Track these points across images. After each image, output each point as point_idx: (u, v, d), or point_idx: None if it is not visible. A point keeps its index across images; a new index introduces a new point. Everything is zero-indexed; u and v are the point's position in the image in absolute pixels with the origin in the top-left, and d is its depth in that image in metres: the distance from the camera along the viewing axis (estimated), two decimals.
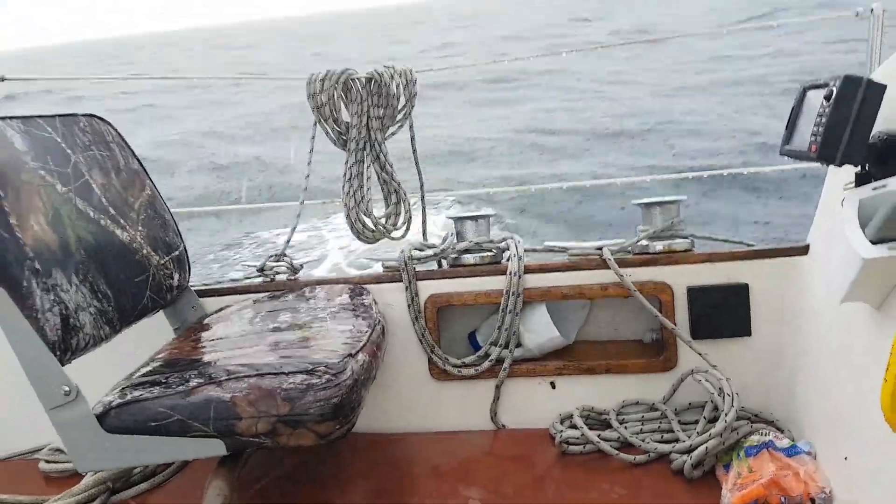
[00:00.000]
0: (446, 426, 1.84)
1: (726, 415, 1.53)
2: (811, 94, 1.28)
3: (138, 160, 1.73)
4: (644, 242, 1.79)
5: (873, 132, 1.18)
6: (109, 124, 1.69)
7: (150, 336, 1.67)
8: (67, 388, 1.23)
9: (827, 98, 1.19)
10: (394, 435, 1.84)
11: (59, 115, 1.52)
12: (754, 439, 1.49)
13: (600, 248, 1.78)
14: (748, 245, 1.80)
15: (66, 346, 1.26)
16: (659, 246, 1.78)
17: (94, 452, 1.23)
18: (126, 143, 1.71)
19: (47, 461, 1.80)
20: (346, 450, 1.78)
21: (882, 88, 1.16)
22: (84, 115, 1.61)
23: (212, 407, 1.20)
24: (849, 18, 2.06)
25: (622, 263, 1.74)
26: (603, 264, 1.76)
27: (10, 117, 1.38)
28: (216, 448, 1.22)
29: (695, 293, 1.73)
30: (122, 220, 1.53)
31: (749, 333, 1.72)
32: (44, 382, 1.23)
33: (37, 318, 1.21)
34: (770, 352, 1.71)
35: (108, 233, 1.47)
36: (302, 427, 1.20)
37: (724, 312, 1.72)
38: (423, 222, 2.10)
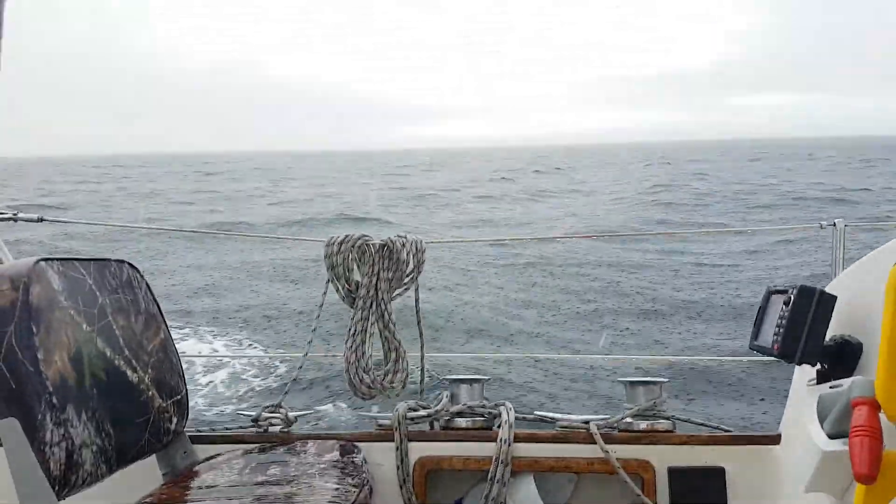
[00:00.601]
0: None
1: None
2: (774, 297, 1.46)
3: (157, 304, 1.83)
4: (628, 420, 1.88)
5: (829, 335, 1.34)
6: (137, 270, 1.80)
7: (138, 478, 1.67)
8: None
9: (786, 304, 1.36)
10: None
11: (94, 260, 1.63)
12: None
13: (587, 422, 1.87)
14: (725, 430, 1.89)
15: (66, 482, 1.29)
16: (643, 424, 1.87)
17: None
18: (150, 288, 1.82)
19: None
20: None
21: (833, 299, 1.34)
22: (115, 261, 1.72)
23: None
24: (814, 230, 2.32)
25: (608, 439, 1.82)
26: (589, 438, 1.83)
27: (52, 259, 1.48)
28: None
29: (675, 473, 1.79)
30: (134, 362, 1.60)
31: None
32: None
33: (44, 451, 1.25)
34: None
35: (121, 373, 1.54)
36: None
37: (702, 495, 1.77)
38: (422, 381, 2.17)
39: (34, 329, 1.31)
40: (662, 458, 1.81)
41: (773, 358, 1.46)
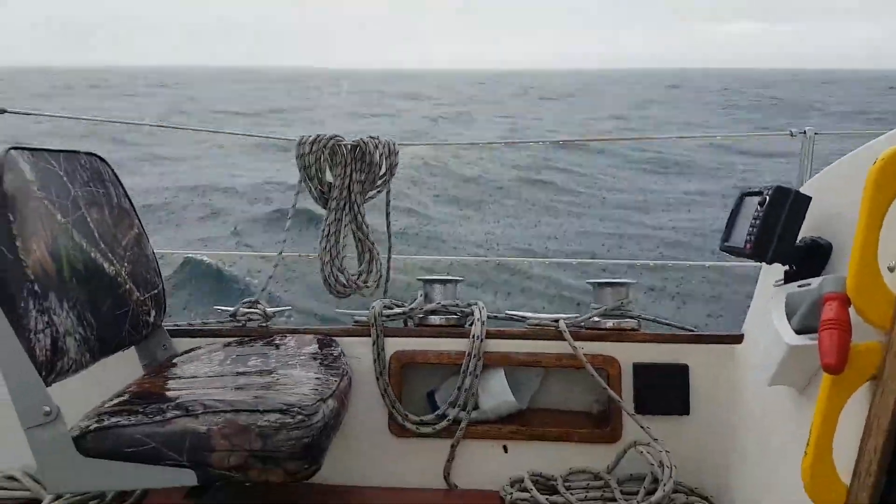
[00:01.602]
0: (401, 482, 1.90)
1: (664, 485, 1.64)
2: (748, 199, 1.48)
3: (129, 199, 1.80)
4: (596, 319, 1.94)
5: (800, 237, 1.37)
6: (107, 163, 1.77)
7: (120, 370, 1.71)
8: (48, 409, 1.27)
9: (761, 204, 1.38)
10: (350, 487, 1.89)
11: (63, 151, 1.60)
12: None
13: (556, 321, 1.93)
14: (689, 330, 1.97)
15: (52, 367, 1.30)
16: (609, 323, 1.93)
17: (67, 474, 1.27)
18: (120, 181, 1.79)
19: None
20: (304, 497, 1.81)
21: (807, 199, 1.36)
22: (85, 153, 1.69)
23: (188, 438, 1.26)
24: (784, 137, 2.33)
25: (575, 336, 1.88)
26: (558, 335, 1.89)
27: (23, 147, 1.44)
28: (187, 478, 1.26)
29: (640, 369, 1.88)
30: (110, 255, 1.60)
31: (688, 412, 1.86)
32: (26, 401, 1.26)
33: (28, 338, 1.26)
34: (706, 430, 1.85)
35: (98, 265, 1.53)
36: (272, 463, 1.26)
37: (665, 390, 1.87)
38: (387, 280, 2.20)
39: (10, 217, 1.28)
40: (628, 354, 1.89)
41: (742, 258, 1.50)
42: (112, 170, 1.78)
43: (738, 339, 1.83)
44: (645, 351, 1.89)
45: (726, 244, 1.51)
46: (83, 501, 1.66)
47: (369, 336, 1.94)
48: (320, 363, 1.66)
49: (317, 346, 1.82)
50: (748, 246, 1.39)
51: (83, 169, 1.64)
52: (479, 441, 1.90)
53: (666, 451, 1.74)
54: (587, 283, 2.02)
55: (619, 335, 1.91)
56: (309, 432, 1.28)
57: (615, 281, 1.97)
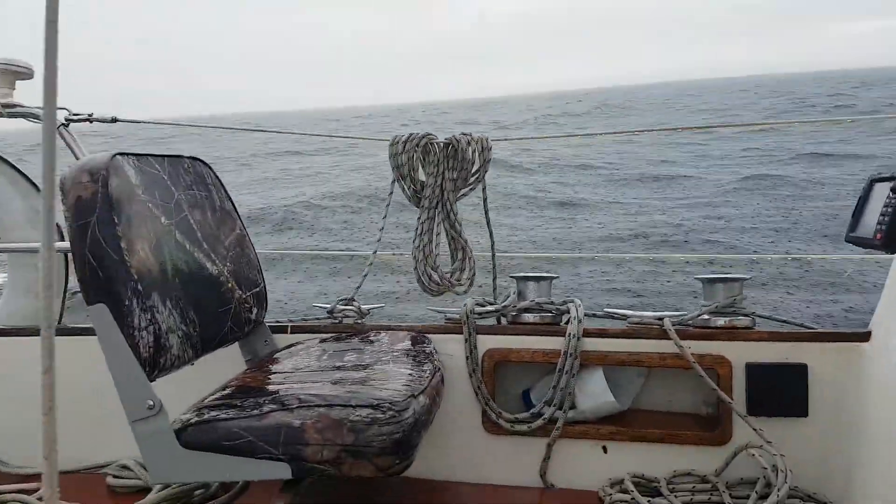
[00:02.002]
0: (494, 479, 1.87)
1: (779, 490, 1.52)
2: (878, 185, 1.35)
3: (232, 202, 1.88)
4: (705, 317, 1.83)
5: None
6: (209, 167, 1.85)
7: (224, 365, 1.78)
8: (152, 403, 1.33)
9: (893, 191, 1.25)
10: (443, 482, 1.88)
11: (167, 156, 1.69)
12: None
13: (661, 319, 1.83)
14: (809, 327, 1.82)
15: (155, 364, 1.37)
16: (720, 321, 1.82)
17: (169, 466, 1.32)
18: (223, 185, 1.87)
19: (115, 476, 1.89)
20: (396, 491, 1.82)
21: None
22: (188, 158, 1.78)
23: (282, 431, 1.28)
24: None
25: (682, 335, 1.79)
26: (663, 334, 1.80)
27: (127, 153, 1.53)
28: (282, 471, 1.29)
29: (753, 369, 1.75)
30: (212, 255, 1.67)
31: (806, 414, 1.72)
32: (131, 395, 1.33)
33: (133, 335, 1.33)
34: (827, 434, 1.70)
35: (200, 265, 1.60)
36: (364, 458, 1.26)
37: (781, 391, 1.73)
38: (494, 279, 2.17)
39: (115, 220, 1.36)
40: (740, 354, 1.77)
41: (872, 250, 1.37)
42: (214, 173, 1.86)
43: (864, 336, 1.67)
44: (759, 350, 1.76)
45: (852, 235, 1.39)
46: (189, 490, 1.75)
47: (461, 333, 1.93)
48: (413, 359, 1.66)
49: (409, 342, 1.83)
50: (878, 236, 1.27)
51: (186, 173, 1.72)
52: (576, 441, 1.84)
53: (781, 455, 1.61)
54: (695, 278, 1.91)
55: (730, 334, 1.79)
56: (399, 428, 1.28)
57: (727, 277, 1.84)
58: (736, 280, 1.84)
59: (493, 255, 2.15)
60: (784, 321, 1.89)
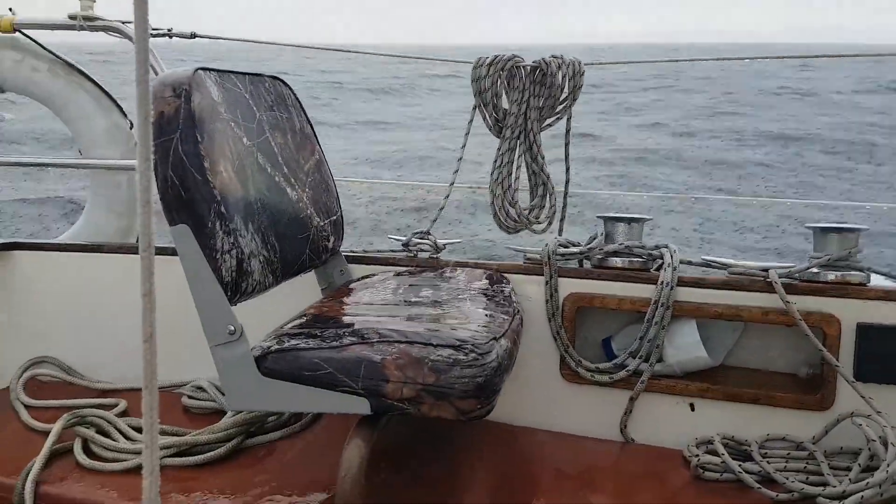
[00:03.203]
0: (572, 429, 1.80)
1: (889, 464, 1.38)
2: None
3: (311, 125, 1.80)
4: (815, 270, 1.65)
5: None
6: (290, 88, 1.76)
7: (300, 292, 1.74)
8: (233, 328, 1.29)
9: None
10: (520, 428, 1.82)
11: (249, 74, 1.60)
12: None
13: (766, 270, 1.66)
14: None
15: (237, 288, 1.32)
16: (831, 276, 1.64)
17: (247, 392, 1.29)
18: (303, 107, 1.78)
19: (190, 397, 1.92)
20: (473, 435, 1.77)
21: None
22: (269, 76, 1.69)
23: (363, 365, 1.23)
24: None
25: (788, 290, 1.62)
26: (767, 287, 1.64)
27: (209, 69, 1.45)
28: (361, 406, 1.24)
29: (866, 330, 1.58)
30: (292, 180, 1.60)
31: None
32: (213, 319, 1.30)
33: (215, 258, 1.28)
34: None
35: (281, 189, 1.53)
36: (444, 400, 1.20)
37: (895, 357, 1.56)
38: (562, 219, 2.05)
39: (199, 137, 1.29)
40: (851, 312, 1.59)
41: None
42: (295, 94, 1.77)
43: None
44: (874, 310, 1.58)
45: None
46: (262, 416, 1.75)
47: (541, 275, 1.81)
48: (490, 299, 1.57)
49: (487, 281, 1.74)
50: None
51: (267, 92, 1.64)
52: (661, 395, 1.73)
53: (893, 427, 1.46)
54: (806, 226, 1.72)
55: (842, 290, 1.61)
56: (482, 371, 1.20)
57: (843, 226, 1.64)
58: (852, 231, 1.65)
59: (566, 194, 2.00)
60: None
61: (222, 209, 1.29)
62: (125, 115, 2.42)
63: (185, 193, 1.27)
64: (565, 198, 2.04)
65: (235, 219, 1.32)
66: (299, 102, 1.76)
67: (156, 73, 2.17)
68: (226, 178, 1.33)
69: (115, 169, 2.39)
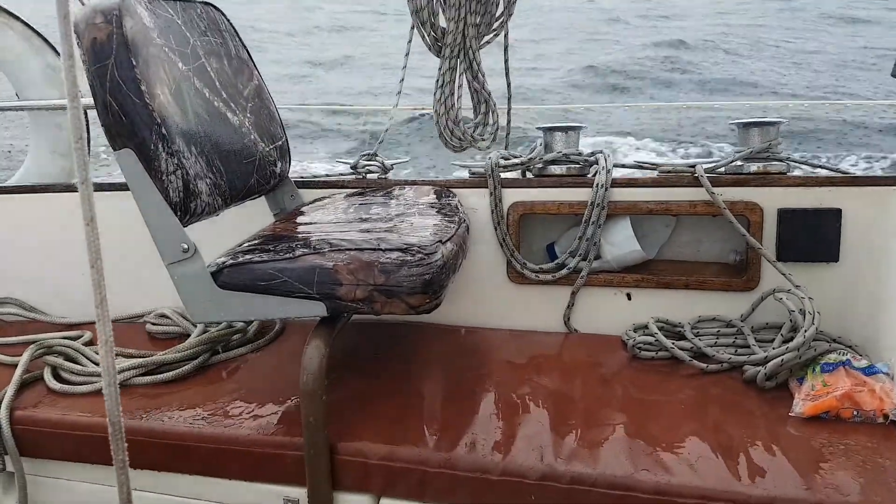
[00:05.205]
0: (520, 325, 1.92)
1: (805, 331, 1.53)
2: None
3: (247, 50, 1.81)
4: (739, 163, 1.77)
5: None
6: (223, 13, 1.76)
7: (253, 218, 1.79)
8: (186, 246, 1.35)
9: None
10: (471, 328, 1.94)
11: (179, 0, 1.60)
12: (831, 357, 1.49)
13: (693, 166, 1.78)
14: (844, 172, 1.76)
15: (186, 208, 1.37)
16: (753, 167, 1.76)
17: (207, 305, 1.36)
18: (237, 32, 1.79)
19: (153, 324, 1.97)
20: (427, 334, 1.88)
21: None
22: (200, 3, 1.69)
23: (316, 272, 1.30)
24: None
25: (714, 182, 1.74)
26: (694, 181, 1.75)
27: None
28: (317, 309, 1.32)
29: (785, 214, 1.72)
30: (232, 105, 1.62)
31: (836, 259, 1.70)
32: (166, 239, 1.35)
33: (161, 179, 1.32)
34: (856, 278, 1.69)
35: (221, 114, 1.56)
36: (395, 297, 1.29)
37: (813, 236, 1.70)
38: (507, 134, 2.12)
39: (133, 62, 1.31)
40: (772, 200, 1.72)
41: None
42: (228, 20, 1.77)
43: None
44: (793, 195, 1.72)
45: None
46: (227, 334, 1.82)
47: (486, 187, 1.90)
48: (438, 211, 1.65)
49: (434, 196, 1.81)
50: None
51: (200, 18, 1.64)
52: (600, 288, 1.86)
53: (809, 298, 1.61)
54: (730, 123, 1.83)
55: (763, 179, 1.73)
56: (428, 269, 1.29)
57: (762, 120, 1.76)
58: (772, 124, 1.76)
59: (509, 110, 2.07)
60: (819, 166, 1.82)
61: (163, 131, 1.32)
62: (59, 55, 2.37)
63: (125, 118, 1.30)
64: (508, 114, 2.10)
65: (178, 141, 1.35)
66: (233, 27, 1.76)
67: (82, 3, 2.13)
68: (164, 102, 1.35)
69: (52, 109, 2.36)
